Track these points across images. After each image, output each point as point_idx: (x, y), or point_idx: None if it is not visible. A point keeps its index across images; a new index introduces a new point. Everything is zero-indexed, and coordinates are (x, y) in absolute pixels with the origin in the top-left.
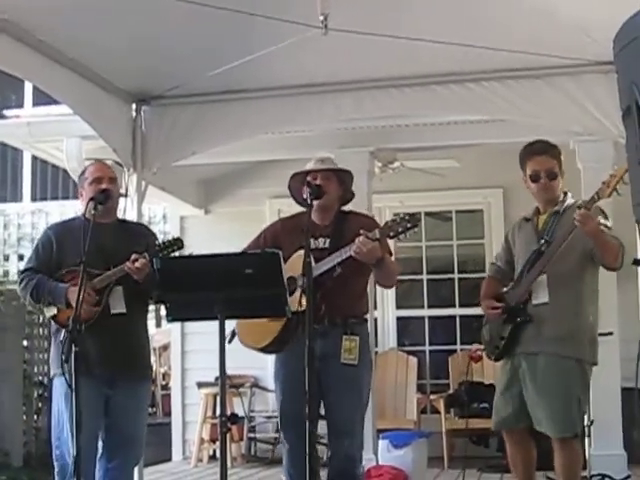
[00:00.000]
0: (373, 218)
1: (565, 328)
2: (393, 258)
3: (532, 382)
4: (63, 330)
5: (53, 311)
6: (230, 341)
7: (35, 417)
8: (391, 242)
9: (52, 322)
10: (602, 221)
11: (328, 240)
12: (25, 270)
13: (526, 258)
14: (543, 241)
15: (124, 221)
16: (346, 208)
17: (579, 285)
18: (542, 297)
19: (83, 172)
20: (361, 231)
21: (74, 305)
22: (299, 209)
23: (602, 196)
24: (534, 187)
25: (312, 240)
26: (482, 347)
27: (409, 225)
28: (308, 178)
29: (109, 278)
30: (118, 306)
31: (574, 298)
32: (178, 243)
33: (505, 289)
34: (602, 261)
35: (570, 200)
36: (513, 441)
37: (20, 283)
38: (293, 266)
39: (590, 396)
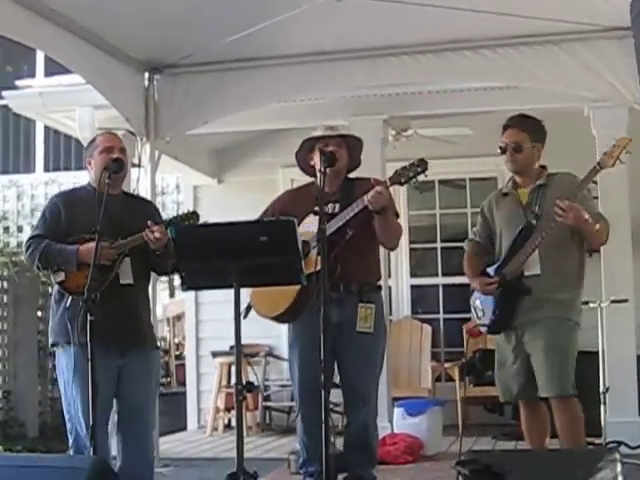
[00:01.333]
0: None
1: (562, 294)
2: (401, 221)
3: (535, 347)
4: (69, 297)
5: (61, 277)
6: (245, 316)
7: (50, 387)
8: (404, 209)
9: (57, 288)
10: (590, 202)
11: (338, 205)
12: (33, 237)
13: (514, 232)
14: (533, 215)
15: (130, 194)
16: (352, 175)
17: (568, 258)
18: (534, 269)
19: (92, 141)
20: (372, 180)
21: (88, 262)
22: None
23: (604, 166)
24: (504, 159)
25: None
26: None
27: (419, 169)
28: (319, 145)
29: (124, 246)
30: (126, 277)
31: (565, 270)
32: (193, 217)
33: (492, 266)
34: (589, 245)
35: (553, 172)
36: (529, 411)
37: (27, 249)
38: (303, 233)
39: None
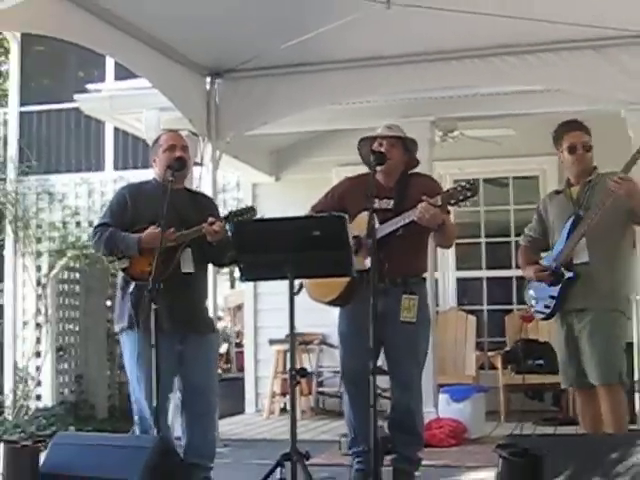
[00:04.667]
0: (435, 180)
1: (608, 285)
2: (452, 219)
3: (583, 336)
4: (132, 284)
5: (125, 263)
6: (297, 293)
7: (118, 372)
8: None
9: (122, 275)
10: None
11: (392, 201)
12: (99, 225)
13: (563, 226)
14: (582, 207)
15: (191, 190)
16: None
17: (615, 246)
18: (582, 257)
19: (157, 140)
20: (423, 197)
21: (150, 247)
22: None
23: None
24: (570, 159)
25: (377, 200)
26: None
27: (469, 194)
28: (374, 144)
29: (186, 237)
30: (188, 266)
31: (611, 258)
32: (251, 211)
33: (543, 256)
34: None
35: (602, 172)
36: (582, 398)
37: (94, 236)
38: (358, 225)
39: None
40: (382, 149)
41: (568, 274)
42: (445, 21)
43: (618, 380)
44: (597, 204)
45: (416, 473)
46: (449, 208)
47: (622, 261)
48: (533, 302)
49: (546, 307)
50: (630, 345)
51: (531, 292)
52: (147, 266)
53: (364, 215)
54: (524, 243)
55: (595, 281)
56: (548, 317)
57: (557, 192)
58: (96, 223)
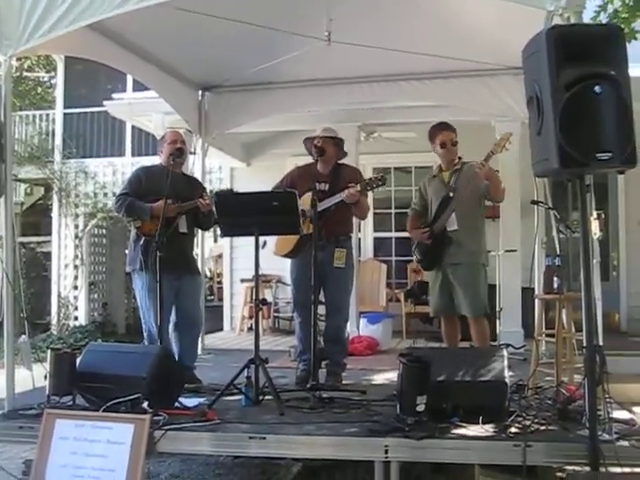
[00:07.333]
0: (358, 170)
1: (474, 245)
2: (369, 199)
3: (457, 282)
4: (142, 238)
5: (139, 224)
6: (263, 247)
7: (133, 300)
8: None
9: (135, 232)
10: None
11: (328, 185)
12: (121, 194)
13: (439, 202)
14: (451, 189)
15: (186, 174)
16: (340, 162)
17: (475, 217)
18: (453, 226)
19: (163, 136)
20: (349, 185)
21: (157, 214)
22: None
23: (495, 152)
24: (442, 152)
25: (317, 184)
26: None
27: (380, 183)
28: (315, 142)
29: (183, 208)
30: (183, 227)
31: (474, 226)
32: (228, 191)
33: (423, 224)
34: (493, 198)
35: (465, 161)
36: (447, 322)
37: (117, 202)
38: (304, 202)
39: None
40: (320, 144)
41: (445, 240)
42: (369, 55)
43: (483, 313)
44: (462, 188)
45: (343, 374)
46: (367, 193)
47: (480, 228)
48: (418, 256)
49: (424, 261)
50: (493, 286)
51: (417, 250)
52: (154, 227)
53: (308, 195)
54: (411, 213)
55: (463, 243)
56: (427, 269)
57: (433, 176)
58: (118, 192)
